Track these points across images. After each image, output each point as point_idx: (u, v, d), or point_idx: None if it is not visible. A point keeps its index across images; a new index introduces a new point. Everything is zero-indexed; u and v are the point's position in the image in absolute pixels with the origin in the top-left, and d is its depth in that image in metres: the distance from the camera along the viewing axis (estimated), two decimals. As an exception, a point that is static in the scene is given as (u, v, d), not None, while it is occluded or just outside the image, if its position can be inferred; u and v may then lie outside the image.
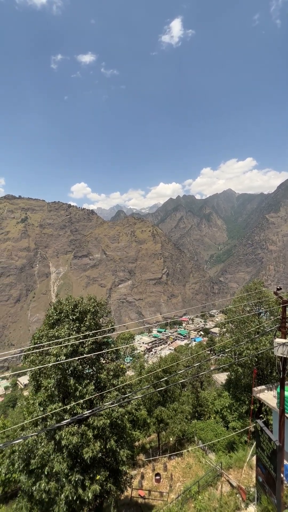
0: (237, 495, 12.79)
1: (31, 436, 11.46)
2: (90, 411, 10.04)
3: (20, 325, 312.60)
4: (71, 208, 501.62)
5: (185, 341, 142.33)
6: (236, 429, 22.91)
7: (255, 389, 16.37)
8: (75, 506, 11.36)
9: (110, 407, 12.83)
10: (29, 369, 13.20)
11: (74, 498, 11.16)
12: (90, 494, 11.26)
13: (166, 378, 10.31)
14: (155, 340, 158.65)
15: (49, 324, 14.36)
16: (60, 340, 12.97)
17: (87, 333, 13.90)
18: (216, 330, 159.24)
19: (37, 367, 13.36)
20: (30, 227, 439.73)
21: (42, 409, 12.60)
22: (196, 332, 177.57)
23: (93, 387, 12.95)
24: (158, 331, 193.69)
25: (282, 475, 9.58)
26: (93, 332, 14.26)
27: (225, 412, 25.31)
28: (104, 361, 15.68)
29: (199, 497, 13.82)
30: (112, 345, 15.92)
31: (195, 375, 29.89)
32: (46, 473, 11.37)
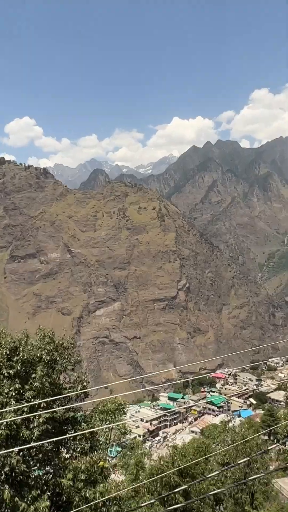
0: None
1: None
2: None
3: None
4: (4, 165, 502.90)
5: (221, 417, 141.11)
6: None
7: None
8: None
9: None
10: None
11: None
12: None
13: (185, 487, 10.37)
14: (164, 415, 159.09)
15: None
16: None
17: (36, 401, 13.94)
18: (279, 395, 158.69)
19: None
20: None
21: None
22: (243, 400, 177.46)
23: (48, 504, 12.99)
24: (170, 398, 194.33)
25: None
26: (48, 399, 14.26)
27: None
28: (68, 455, 15.78)
29: None
30: (84, 425, 16.01)
31: (241, 481, 30.00)
32: None
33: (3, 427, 12.94)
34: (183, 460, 26.47)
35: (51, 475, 14.43)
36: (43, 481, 14.22)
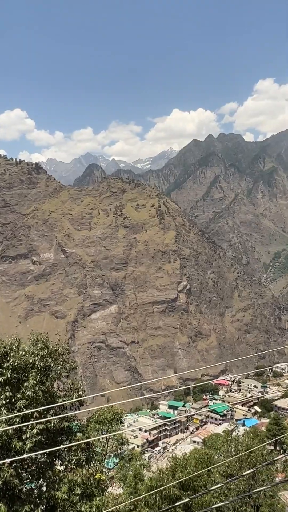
0: None
1: None
2: None
3: None
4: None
5: (224, 426, 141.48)
6: None
7: None
8: None
9: None
10: None
11: None
12: None
13: (186, 500, 10.40)
14: (164, 424, 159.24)
15: None
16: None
17: (28, 410, 13.93)
18: (286, 403, 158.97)
19: None
20: None
21: None
22: (247, 409, 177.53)
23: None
24: (170, 407, 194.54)
25: None
26: (41, 408, 14.28)
27: None
28: (63, 467, 15.80)
29: None
30: (80, 435, 16.01)
31: (245, 493, 30.02)
32: None
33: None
34: (184, 472, 26.49)
35: (45, 488, 14.41)
36: (36, 495, 14.20)
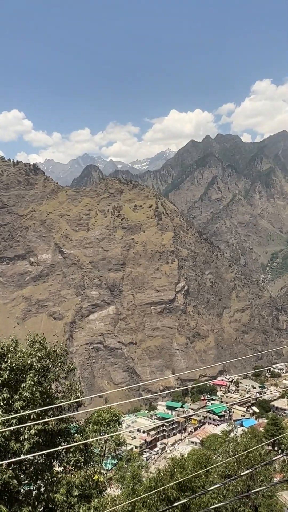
0: None
1: None
2: None
3: None
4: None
5: (222, 426, 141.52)
6: None
7: None
8: None
9: None
10: None
11: None
12: None
13: (184, 501, 10.40)
14: (162, 425, 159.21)
15: None
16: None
17: (26, 411, 13.90)
18: (284, 403, 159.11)
19: None
20: None
21: None
22: (245, 409, 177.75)
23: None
24: (168, 407, 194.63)
25: None
26: (39, 409, 14.26)
27: None
28: (61, 468, 15.78)
29: None
30: (78, 436, 15.99)
31: (243, 494, 30.01)
32: None
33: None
34: (182, 472, 26.46)
35: (43, 490, 14.38)
36: (34, 496, 14.18)
